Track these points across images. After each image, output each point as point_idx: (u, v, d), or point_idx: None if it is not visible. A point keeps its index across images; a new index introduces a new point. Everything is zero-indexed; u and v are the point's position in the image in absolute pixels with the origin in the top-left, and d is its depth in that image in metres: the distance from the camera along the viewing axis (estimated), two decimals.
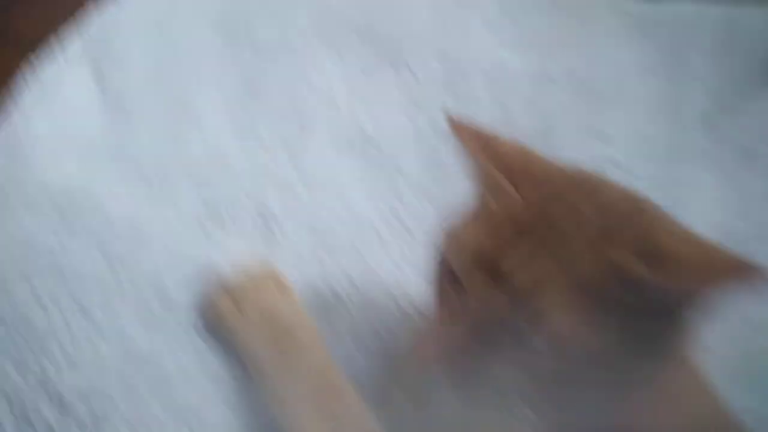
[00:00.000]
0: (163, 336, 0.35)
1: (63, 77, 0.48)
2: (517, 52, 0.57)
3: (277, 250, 0.41)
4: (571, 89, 0.56)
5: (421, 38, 0.56)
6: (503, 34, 0.58)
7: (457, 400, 0.33)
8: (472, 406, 0.32)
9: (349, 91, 0.52)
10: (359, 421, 0.35)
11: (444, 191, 0.46)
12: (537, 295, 0.29)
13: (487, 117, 0.53)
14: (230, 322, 0.37)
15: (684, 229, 0.31)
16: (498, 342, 0.30)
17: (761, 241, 0.54)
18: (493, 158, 0.33)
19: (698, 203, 0.55)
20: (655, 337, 0.30)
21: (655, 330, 0.30)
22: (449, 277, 0.32)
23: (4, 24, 0.55)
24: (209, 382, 0.35)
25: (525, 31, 0.59)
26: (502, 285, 0.29)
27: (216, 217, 0.41)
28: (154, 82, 0.49)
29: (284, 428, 0.35)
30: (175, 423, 0.33)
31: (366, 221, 0.44)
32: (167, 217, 0.40)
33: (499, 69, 0.56)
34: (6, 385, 0.32)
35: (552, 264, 0.29)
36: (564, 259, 0.29)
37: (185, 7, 0.54)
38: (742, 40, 0.64)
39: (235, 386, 0.36)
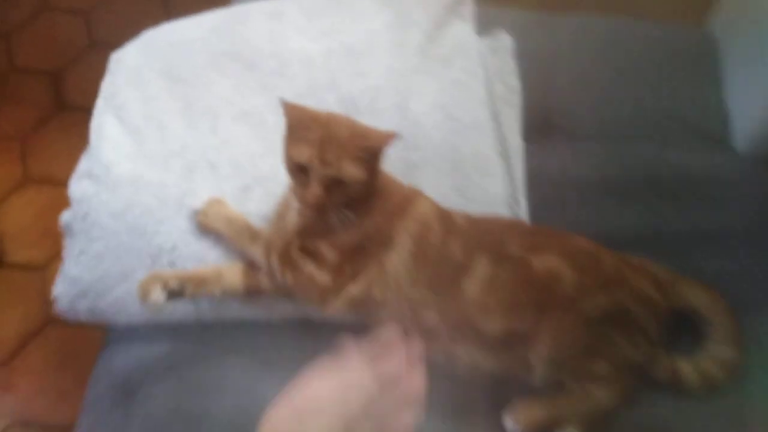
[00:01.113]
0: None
1: (103, 122, 0.99)
2: (315, 41, 1.03)
3: (222, 181, 0.90)
4: (343, 53, 1.02)
5: (259, 45, 1.02)
6: (306, 32, 1.04)
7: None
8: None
9: (235, 93, 0.99)
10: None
11: None
12: (339, 168, 0.73)
13: (304, 87, 1.00)
14: (207, 225, 0.88)
15: (370, 128, 0.77)
16: (331, 195, 0.75)
17: (461, 110, 1.01)
18: (303, 118, 0.76)
19: (422, 100, 1.00)
20: (375, 176, 0.80)
21: (374, 170, 0.79)
22: (298, 170, 0.75)
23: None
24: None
25: (318, 26, 1.05)
26: (326, 169, 0.73)
27: (195, 170, 0.90)
28: (147, 115, 0.97)
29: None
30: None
31: (260, 159, 0.93)
32: (177, 179, 0.90)
33: (306, 54, 1.02)
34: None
35: (336, 158, 0.73)
36: (338, 155, 0.73)
37: (143, 67, 1.01)
38: None
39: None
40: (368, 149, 0.76)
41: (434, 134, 0.98)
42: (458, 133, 0.99)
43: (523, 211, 0.97)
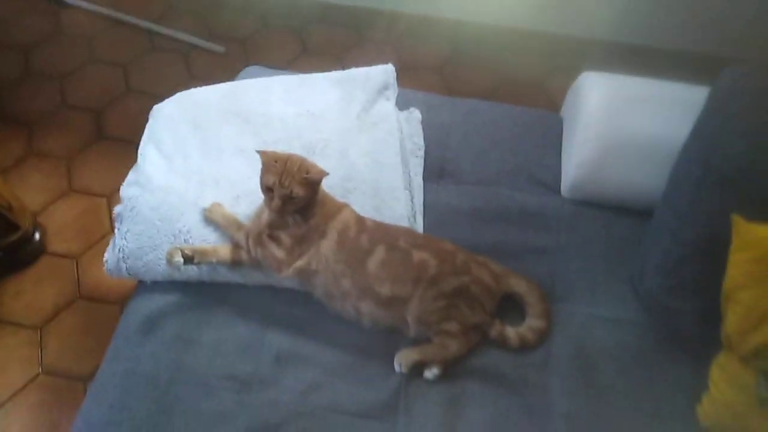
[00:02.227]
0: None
1: (147, 149, 1.51)
2: (289, 106, 1.56)
3: (222, 192, 1.42)
4: (307, 115, 1.55)
5: (253, 107, 1.55)
6: (284, 100, 1.58)
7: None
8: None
9: (235, 136, 1.50)
10: None
11: None
12: (290, 189, 1.17)
13: (280, 136, 1.52)
14: (211, 219, 1.40)
15: (313, 165, 1.26)
16: (286, 204, 1.21)
17: (382, 156, 1.56)
18: (270, 159, 1.20)
19: (357, 149, 1.55)
20: (315, 194, 1.31)
21: (315, 191, 1.30)
22: (267, 189, 1.21)
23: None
24: None
25: (292, 97, 1.58)
26: (283, 190, 1.19)
27: (205, 184, 1.41)
28: (176, 147, 1.47)
29: None
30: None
31: (248, 180, 1.45)
32: (193, 188, 1.41)
33: (283, 114, 1.54)
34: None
35: (289, 183, 1.19)
36: (290, 181, 1.20)
37: (178, 120, 1.54)
38: None
39: None
40: (309, 178, 1.21)
41: (363, 171, 1.43)
42: (379, 171, 1.44)
43: (419, 226, 1.46)
